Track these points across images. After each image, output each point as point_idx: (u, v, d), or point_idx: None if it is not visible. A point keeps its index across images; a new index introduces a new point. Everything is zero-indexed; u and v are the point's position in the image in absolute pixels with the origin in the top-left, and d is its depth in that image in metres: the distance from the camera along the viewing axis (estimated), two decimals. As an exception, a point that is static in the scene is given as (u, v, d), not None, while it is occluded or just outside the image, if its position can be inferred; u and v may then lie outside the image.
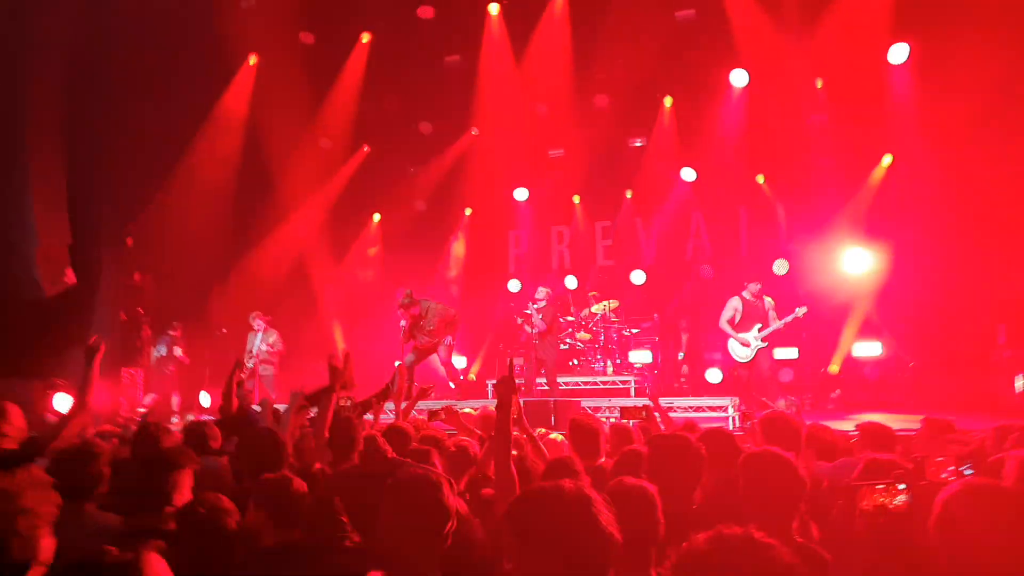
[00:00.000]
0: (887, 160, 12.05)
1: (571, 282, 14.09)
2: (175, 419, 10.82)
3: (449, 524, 2.41)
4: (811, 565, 2.67)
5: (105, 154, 10.22)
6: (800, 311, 9.21)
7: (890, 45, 11.15)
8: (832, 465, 3.80)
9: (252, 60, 12.29)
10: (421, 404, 7.42)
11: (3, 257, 9.22)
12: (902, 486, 2.41)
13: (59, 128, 9.37)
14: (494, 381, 12.04)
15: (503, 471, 3.12)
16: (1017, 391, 9.93)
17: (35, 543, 1.92)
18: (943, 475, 2.81)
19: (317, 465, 3.85)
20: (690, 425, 5.82)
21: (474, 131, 13.99)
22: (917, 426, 4.97)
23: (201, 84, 11.70)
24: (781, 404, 8.91)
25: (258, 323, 11.49)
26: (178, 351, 12.15)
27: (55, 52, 9.26)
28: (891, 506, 2.45)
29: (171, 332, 12.28)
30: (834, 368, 11.78)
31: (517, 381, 3.43)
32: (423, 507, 2.40)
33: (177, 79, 10.96)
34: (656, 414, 5.42)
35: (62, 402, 9.84)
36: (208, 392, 12.12)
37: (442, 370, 11.18)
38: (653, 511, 2.66)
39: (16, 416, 4.11)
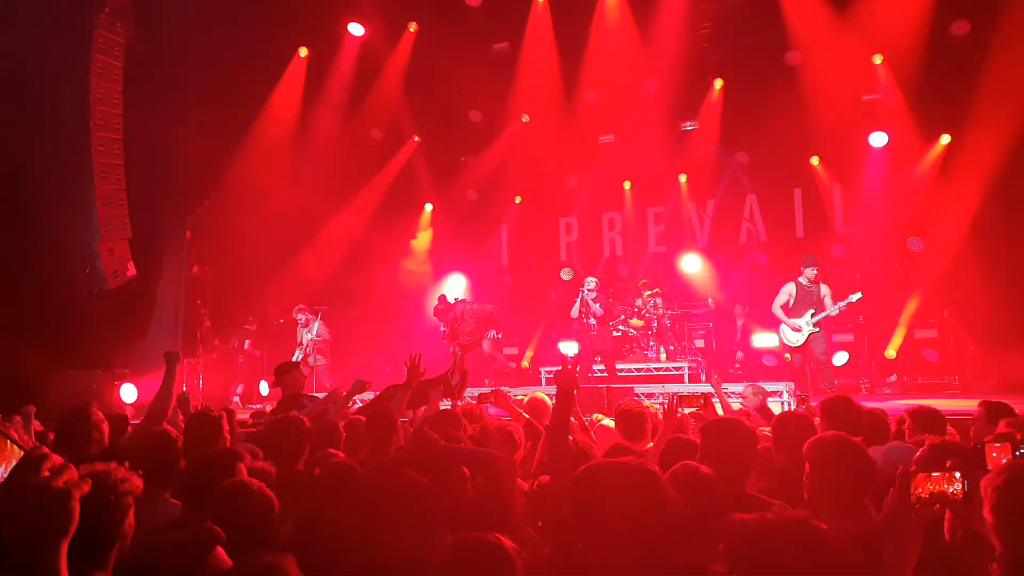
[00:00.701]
0: (945, 139, 11.64)
1: (622, 269, 14.02)
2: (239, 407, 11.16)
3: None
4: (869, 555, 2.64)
5: (164, 150, 10.51)
6: (854, 297, 9.03)
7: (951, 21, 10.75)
8: (884, 449, 3.71)
9: (303, 52, 12.46)
10: (470, 389, 7.55)
11: (68, 252, 9.59)
12: (959, 473, 2.34)
13: (119, 125, 9.67)
14: (548, 369, 12.12)
15: (562, 457, 3.17)
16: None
17: (127, 524, 2.14)
18: (1004, 461, 2.74)
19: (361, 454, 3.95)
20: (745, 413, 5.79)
21: (525, 118, 13.95)
22: (975, 410, 4.84)
23: (254, 77, 11.92)
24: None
25: (301, 316, 11.78)
26: (247, 344, 12.57)
27: (114, 49, 9.55)
28: (949, 493, 2.39)
29: (247, 327, 12.67)
30: (891, 353, 11.48)
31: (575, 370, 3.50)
32: None
33: (231, 72, 11.18)
34: (715, 401, 5.36)
35: (128, 392, 10.24)
36: (268, 381, 12.48)
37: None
38: (711, 493, 2.66)
39: (101, 417, 4.28)
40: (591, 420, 5.55)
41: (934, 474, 2.36)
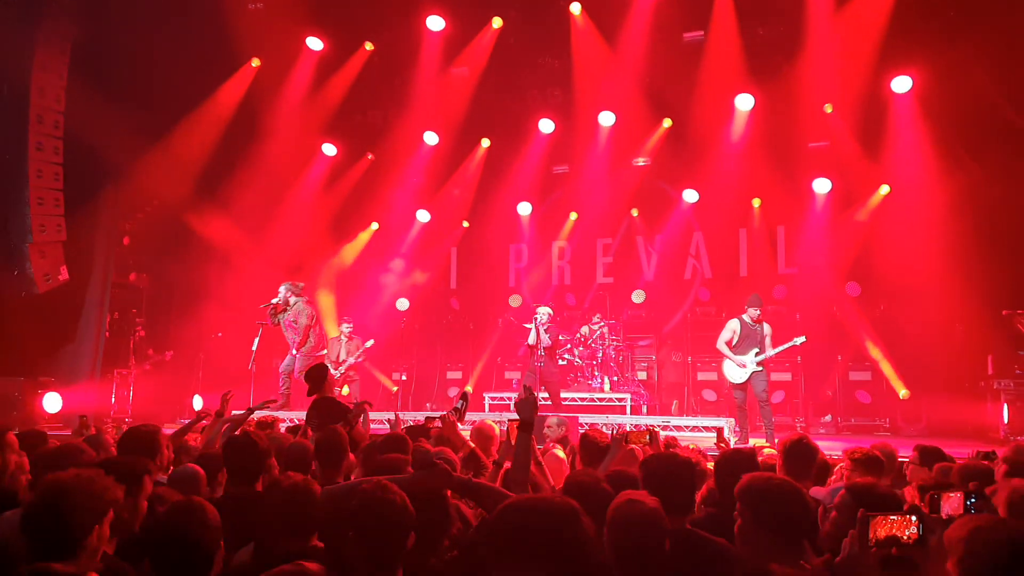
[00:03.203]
0: (884, 190, 12.08)
1: (570, 299, 14.09)
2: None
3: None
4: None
5: (104, 152, 10.18)
6: (798, 340, 9.25)
7: (893, 75, 11.20)
8: (826, 490, 3.76)
9: (255, 62, 12.28)
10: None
11: (-2, 253, 9.19)
12: (915, 517, 2.41)
13: (60, 123, 9.35)
14: (492, 395, 12.05)
15: (520, 489, 3.14)
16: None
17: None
18: (955, 509, 2.81)
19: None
20: (672, 442, 5.80)
21: (485, 143, 14.01)
22: (909, 453, 4.99)
23: (205, 84, 11.70)
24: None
25: (346, 327, 11.60)
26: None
27: (56, 47, 9.25)
28: (904, 536, 2.46)
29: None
30: (904, 393, 11.57)
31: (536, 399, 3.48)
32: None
33: (179, 79, 10.96)
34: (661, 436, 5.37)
35: (52, 402, 9.80)
36: (201, 395, 12.10)
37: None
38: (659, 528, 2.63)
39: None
40: (541, 449, 5.51)
41: (892, 517, 2.43)
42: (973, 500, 2.61)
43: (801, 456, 3.90)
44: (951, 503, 2.63)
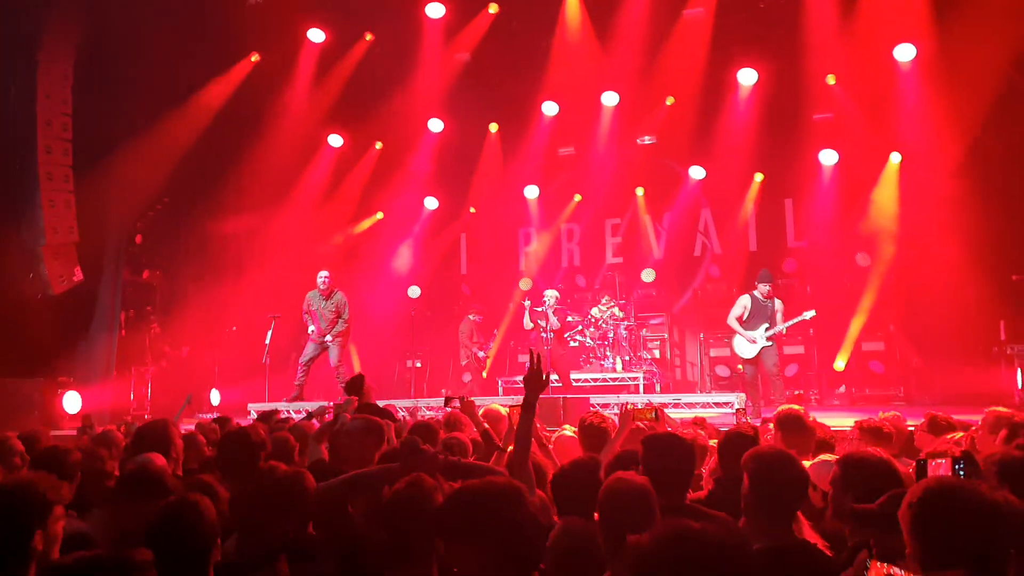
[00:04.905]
0: (896, 158, 11.96)
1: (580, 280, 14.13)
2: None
3: None
4: (814, 564, 2.70)
5: (112, 151, 10.28)
6: (808, 314, 9.28)
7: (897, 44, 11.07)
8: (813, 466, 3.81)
9: (254, 58, 12.31)
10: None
11: (10, 255, 9.30)
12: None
13: (68, 125, 9.44)
14: (505, 379, 12.16)
15: (522, 471, 3.18)
16: None
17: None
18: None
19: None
20: (699, 421, 5.87)
21: (493, 127, 14.00)
22: (920, 421, 5.01)
23: (208, 79, 11.76)
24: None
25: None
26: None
27: (62, 50, 9.34)
28: None
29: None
30: (839, 365, 11.75)
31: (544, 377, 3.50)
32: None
33: (185, 77, 11.03)
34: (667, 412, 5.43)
35: (72, 401, 9.96)
36: (218, 390, 12.27)
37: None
38: (648, 505, 2.69)
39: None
40: (551, 433, 5.59)
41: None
42: (962, 466, 2.61)
43: (795, 428, 3.94)
44: (940, 470, 2.64)
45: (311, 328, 10.96)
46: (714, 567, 1.66)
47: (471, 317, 13.18)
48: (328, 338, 10.78)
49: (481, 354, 13.04)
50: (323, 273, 10.96)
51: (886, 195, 11.89)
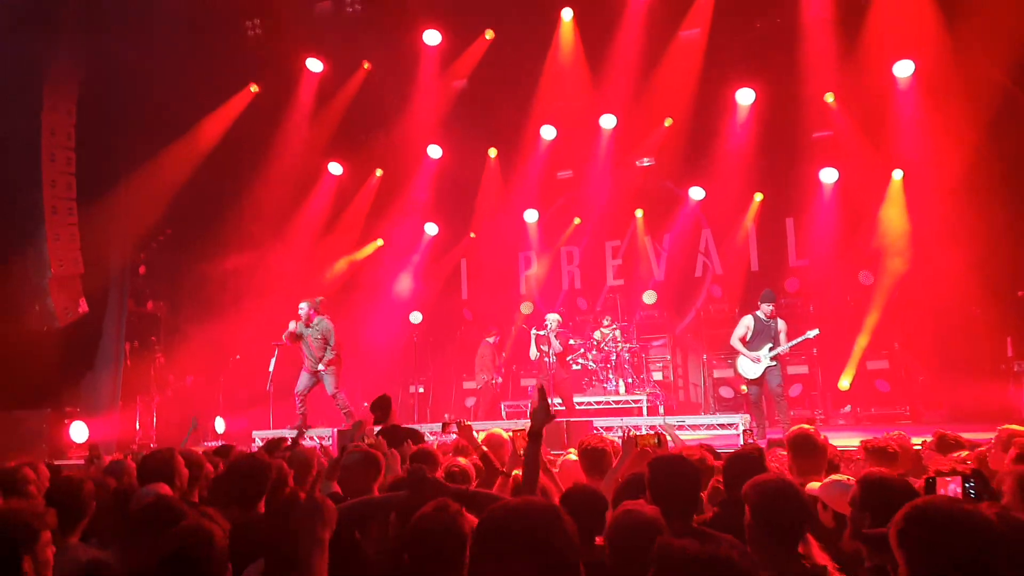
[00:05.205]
0: (898, 175, 12.00)
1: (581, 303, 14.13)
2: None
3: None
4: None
5: (117, 185, 10.38)
6: (811, 333, 9.27)
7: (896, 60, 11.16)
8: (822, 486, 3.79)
9: (253, 88, 12.45)
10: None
11: (16, 288, 9.36)
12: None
13: (72, 159, 9.54)
14: (509, 403, 12.15)
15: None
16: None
17: None
18: (953, 494, 2.82)
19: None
20: (707, 447, 5.83)
21: (492, 152, 14.11)
22: (928, 439, 5.00)
23: (208, 110, 11.90)
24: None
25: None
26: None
27: (66, 86, 9.46)
28: None
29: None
30: (844, 384, 11.70)
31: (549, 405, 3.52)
32: None
33: (184, 109, 11.13)
34: (668, 437, 5.40)
35: (79, 431, 9.97)
36: (223, 418, 12.25)
37: None
38: (656, 533, 2.68)
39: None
40: (556, 456, 5.58)
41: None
42: (971, 484, 2.61)
43: (807, 449, 3.93)
44: (948, 488, 2.63)
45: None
46: None
47: (490, 340, 13.03)
48: (321, 367, 10.58)
49: (498, 380, 12.86)
50: (303, 304, 10.59)
51: (893, 212, 11.91)
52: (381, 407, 6.56)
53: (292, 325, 10.55)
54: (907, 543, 2.13)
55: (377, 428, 6.53)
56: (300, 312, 10.55)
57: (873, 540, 2.59)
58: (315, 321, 10.57)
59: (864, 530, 2.70)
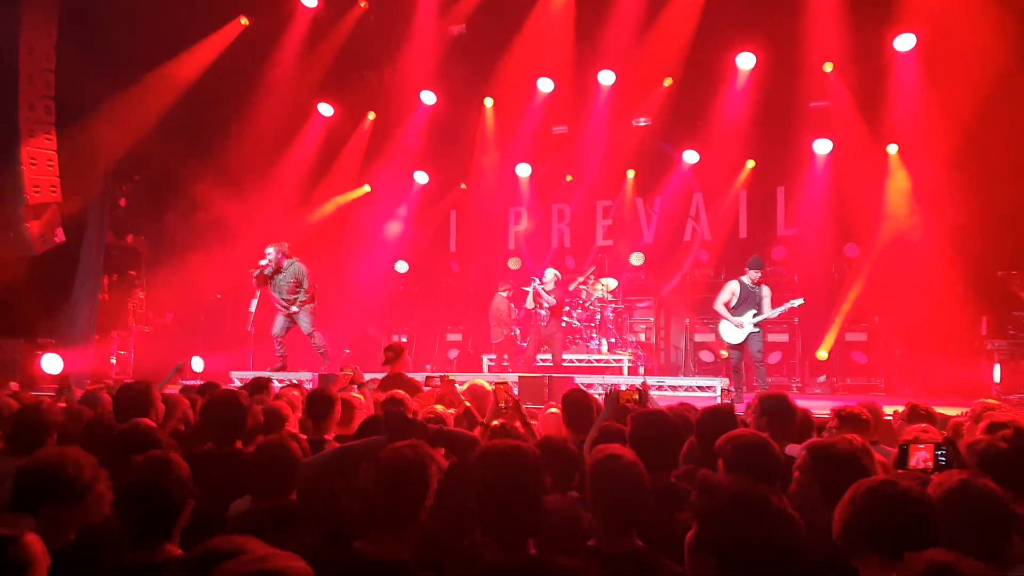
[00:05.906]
0: (893, 149, 11.94)
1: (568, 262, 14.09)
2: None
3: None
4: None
5: (96, 111, 10.09)
6: (796, 302, 9.27)
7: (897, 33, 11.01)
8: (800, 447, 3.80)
9: (243, 20, 12.05)
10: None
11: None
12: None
13: (51, 82, 9.23)
14: (490, 356, 12.19)
15: None
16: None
17: None
18: (922, 463, 2.83)
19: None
20: (687, 406, 5.84)
21: (488, 101, 13.81)
22: (900, 409, 5.05)
23: (194, 40, 11.55)
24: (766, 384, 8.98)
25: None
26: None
27: (46, 4, 9.11)
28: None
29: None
30: (822, 354, 11.81)
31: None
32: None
33: (171, 38, 10.80)
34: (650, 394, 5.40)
35: (52, 363, 9.84)
36: (201, 357, 12.17)
37: None
38: (639, 480, 2.67)
39: None
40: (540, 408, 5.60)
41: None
42: (943, 452, 2.60)
43: (778, 412, 3.91)
44: (920, 456, 2.62)
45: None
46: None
47: (502, 293, 12.51)
48: (294, 308, 10.46)
49: (516, 332, 12.40)
50: (269, 249, 10.40)
51: (896, 185, 11.91)
52: (395, 351, 6.75)
53: (259, 268, 10.40)
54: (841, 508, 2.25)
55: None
56: (268, 257, 10.40)
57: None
58: (285, 264, 10.44)
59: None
